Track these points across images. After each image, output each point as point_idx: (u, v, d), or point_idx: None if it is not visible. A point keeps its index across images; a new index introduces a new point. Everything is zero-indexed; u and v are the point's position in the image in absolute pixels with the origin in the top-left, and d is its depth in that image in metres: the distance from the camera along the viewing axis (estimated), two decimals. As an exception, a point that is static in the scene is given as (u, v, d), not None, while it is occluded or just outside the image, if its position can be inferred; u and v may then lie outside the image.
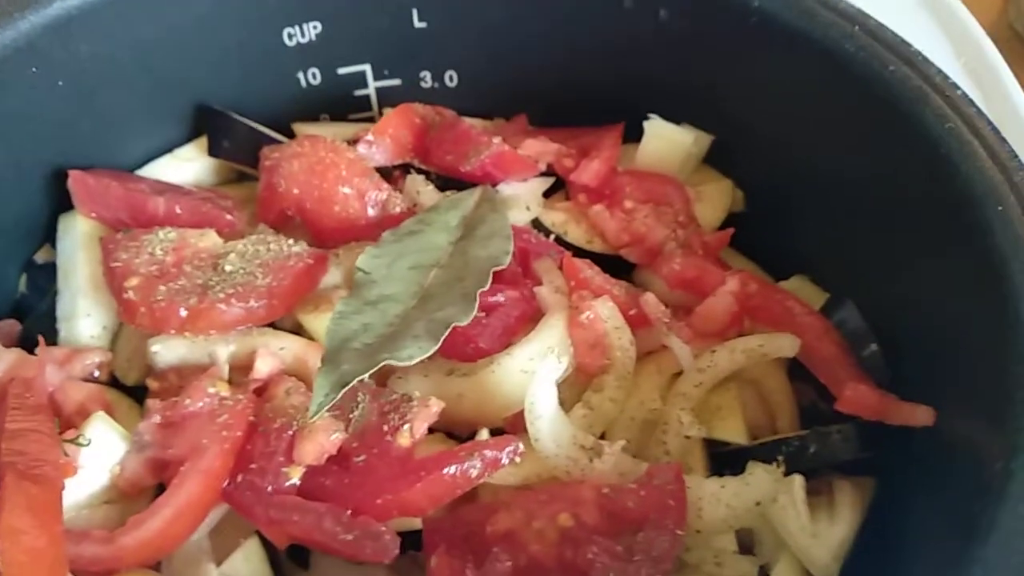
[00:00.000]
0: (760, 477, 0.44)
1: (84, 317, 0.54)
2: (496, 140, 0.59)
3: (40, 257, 0.59)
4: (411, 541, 0.43)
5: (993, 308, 0.43)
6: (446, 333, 0.45)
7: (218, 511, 0.46)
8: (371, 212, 0.57)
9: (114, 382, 0.53)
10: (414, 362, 0.44)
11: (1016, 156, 0.44)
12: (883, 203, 0.52)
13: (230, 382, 0.49)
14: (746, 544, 0.47)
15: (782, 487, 0.45)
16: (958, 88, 0.48)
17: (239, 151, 0.63)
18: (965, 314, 0.46)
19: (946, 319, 0.48)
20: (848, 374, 0.49)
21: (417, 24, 0.64)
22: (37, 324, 0.56)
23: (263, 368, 0.49)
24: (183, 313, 0.49)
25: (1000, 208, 0.43)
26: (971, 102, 0.47)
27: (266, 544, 0.46)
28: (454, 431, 0.49)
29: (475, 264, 0.50)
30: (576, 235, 0.59)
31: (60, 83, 0.56)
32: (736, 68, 0.58)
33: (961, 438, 0.45)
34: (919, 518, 0.46)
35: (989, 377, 0.43)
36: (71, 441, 0.45)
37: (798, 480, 0.46)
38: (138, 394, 0.52)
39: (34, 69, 0.54)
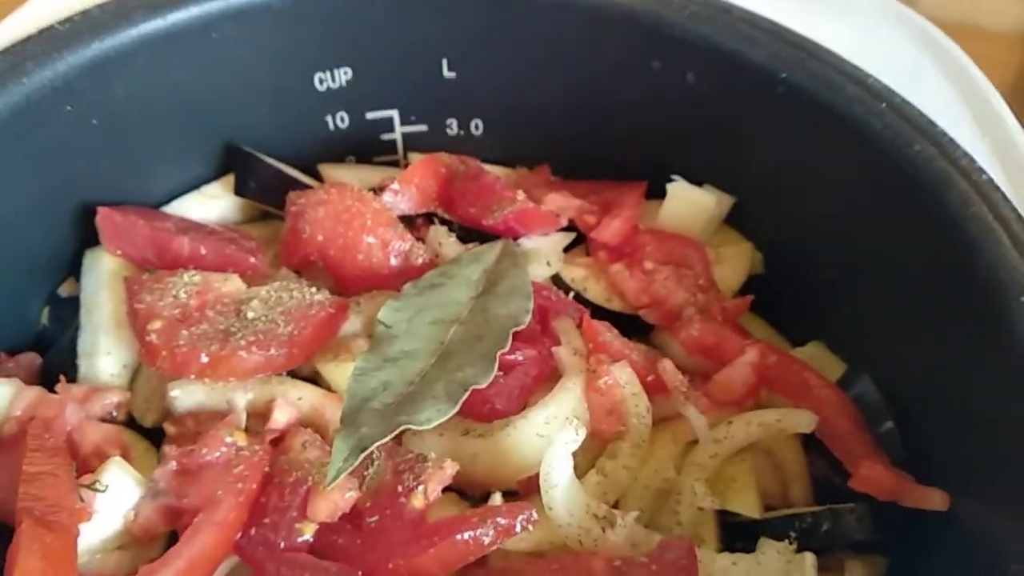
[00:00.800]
0: (772, 557, 0.44)
1: (105, 355, 0.55)
2: (520, 195, 0.59)
3: (64, 291, 0.60)
4: (420, 603, 0.43)
5: (1016, 399, 0.43)
6: (465, 396, 0.45)
7: (228, 563, 0.46)
8: (393, 262, 0.57)
9: (131, 422, 0.53)
10: (432, 426, 0.44)
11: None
12: (903, 279, 0.52)
13: (247, 430, 0.49)
14: (756, 621, 0.46)
15: (794, 566, 0.44)
16: (984, 172, 0.48)
17: (265, 191, 0.64)
18: (986, 399, 0.46)
19: (966, 402, 0.47)
20: (864, 451, 0.49)
21: (447, 74, 0.65)
22: (57, 358, 0.56)
23: (280, 418, 0.49)
24: (204, 359, 0.50)
25: (1023, 299, 0.43)
26: (996, 187, 0.47)
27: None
28: (467, 491, 0.49)
29: (495, 323, 0.50)
30: (595, 292, 0.59)
31: (94, 121, 0.57)
32: (761, 134, 0.58)
33: (977, 527, 0.45)
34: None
35: (1011, 470, 0.43)
36: (88, 486, 0.45)
37: (809, 559, 0.46)
38: (155, 436, 0.52)
39: (69, 108, 0.55)
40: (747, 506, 0.49)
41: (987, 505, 0.44)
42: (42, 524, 0.41)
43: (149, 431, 0.53)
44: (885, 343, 0.54)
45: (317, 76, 0.64)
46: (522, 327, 0.50)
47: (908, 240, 0.51)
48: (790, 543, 0.46)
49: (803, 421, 0.49)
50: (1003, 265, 0.44)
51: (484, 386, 0.46)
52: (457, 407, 0.45)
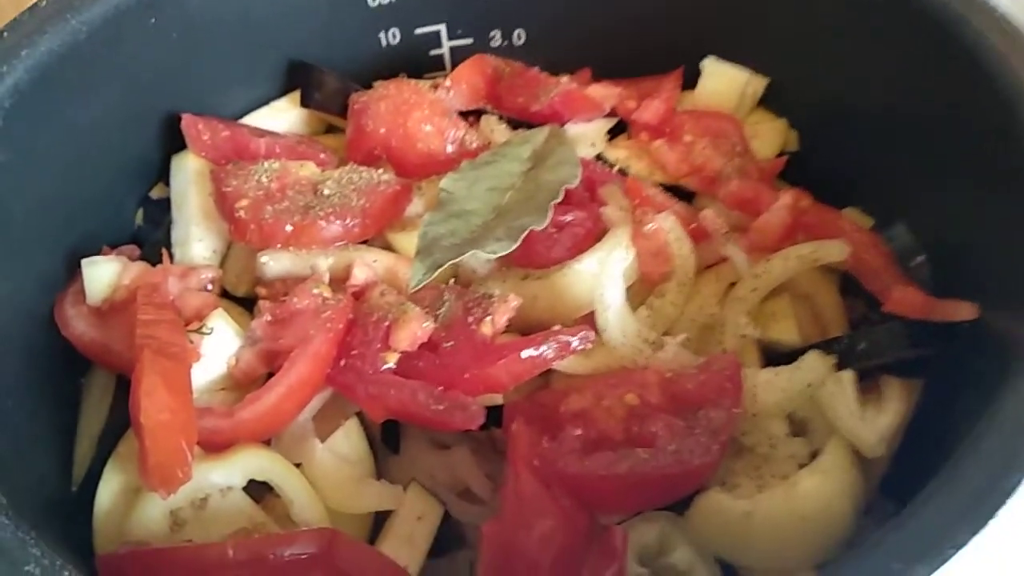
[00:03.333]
0: (811, 361, 0.48)
1: (197, 241, 0.61)
2: (564, 79, 0.64)
3: (155, 194, 0.66)
4: (493, 418, 0.48)
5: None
6: (524, 234, 0.50)
7: (321, 397, 0.52)
8: (450, 148, 0.62)
9: (224, 295, 0.59)
10: (496, 256, 0.49)
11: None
12: (929, 126, 0.56)
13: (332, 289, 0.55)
14: (798, 431, 0.50)
15: (833, 382, 0.48)
16: (996, 10, 0.51)
17: (329, 101, 0.69)
18: (1005, 219, 0.49)
19: (988, 228, 0.51)
20: (896, 280, 0.53)
21: (489, -16, 0.70)
22: (153, 251, 0.63)
23: (360, 275, 0.54)
24: (288, 229, 0.55)
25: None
26: (1007, 21, 0.51)
27: (363, 427, 0.52)
28: (530, 332, 0.53)
29: (546, 185, 0.55)
30: (638, 168, 0.63)
31: (174, 35, 0.63)
32: (786, 7, 0.62)
33: (1002, 335, 0.48)
34: (964, 415, 0.49)
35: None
36: (195, 331, 0.51)
37: (847, 374, 0.49)
38: (247, 305, 0.58)
39: (152, 20, 0.61)
40: (786, 333, 0.53)
41: (1008, 314, 0.47)
42: (161, 354, 0.47)
43: (242, 300, 0.59)
44: (914, 195, 0.58)
45: (370, -7, 0.69)
46: (572, 185, 0.55)
47: (931, 83, 0.54)
48: (829, 356, 0.50)
49: (835, 250, 0.52)
50: (1016, 82, 0.47)
51: (540, 228, 0.51)
52: (517, 243, 0.50)
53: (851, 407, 0.48)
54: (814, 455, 0.48)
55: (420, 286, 0.48)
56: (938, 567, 0.29)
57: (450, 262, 0.49)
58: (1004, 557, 0.39)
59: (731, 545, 0.45)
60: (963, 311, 0.49)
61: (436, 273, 0.48)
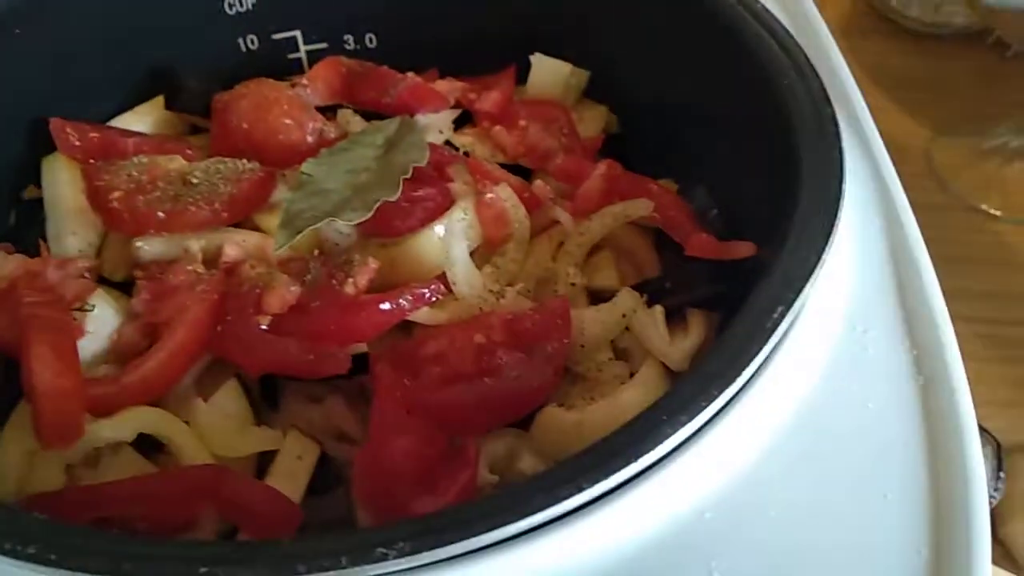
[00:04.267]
0: (624, 297, 0.58)
1: (70, 235, 0.65)
2: (411, 75, 0.72)
3: (27, 195, 0.70)
4: (361, 367, 0.55)
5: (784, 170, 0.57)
6: (377, 205, 0.57)
7: (200, 364, 0.57)
8: (310, 139, 0.69)
9: (102, 282, 0.63)
10: (353, 224, 0.56)
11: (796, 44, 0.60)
12: (718, 109, 0.67)
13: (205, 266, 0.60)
14: (620, 358, 0.60)
15: (643, 306, 0.58)
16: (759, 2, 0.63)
17: (193, 103, 0.75)
18: (768, 177, 0.60)
19: (758, 184, 0.62)
20: (694, 229, 0.63)
21: (339, -8, 0.77)
22: (28, 248, 0.66)
23: (231, 253, 0.60)
24: (161, 216, 0.61)
25: (785, 81, 0.58)
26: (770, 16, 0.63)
27: (244, 388, 0.58)
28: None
29: (398, 166, 0.63)
30: (482, 152, 0.72)
31: (40, 44, 0.67)
32: (605, 13, 0.72)
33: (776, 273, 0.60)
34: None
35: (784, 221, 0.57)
36: (78, 309, 0.55)
37: (658, 309, 0.59)
38: (125, 289, 0.63)
39: (17, 30, 0.65)
40: (607, 279, 0.63)
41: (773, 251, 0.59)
42: (47, 328, 0.52)
43: (120, 286, 0.63)
44: (708, 165, 0.69)
45: (227, 1, 0.75)
46: (421, 164, 0.62)
47: (719, 80, 0.65)
48: (641, 296, 0.60)
49: (641, 207, 0.63)
50: (772, 58, 0.59)
51: (392, 199, 0.58)
52: (371, 212, 0.57)
53: (661, 333, 0.58)
54: (633, 375, 0.58)
55: (283, 250, 0.55)
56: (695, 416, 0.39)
57: (310, 228, 0.55)
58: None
59: (567, 449, 0.53)
60: (743, 250, 0.59)
61: (297, 238, 0.55)
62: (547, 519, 0.37)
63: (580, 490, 0.36)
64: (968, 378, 0.46)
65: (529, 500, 0.36)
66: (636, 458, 0.38)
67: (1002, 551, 0.78)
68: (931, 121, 1.10)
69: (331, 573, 0.34)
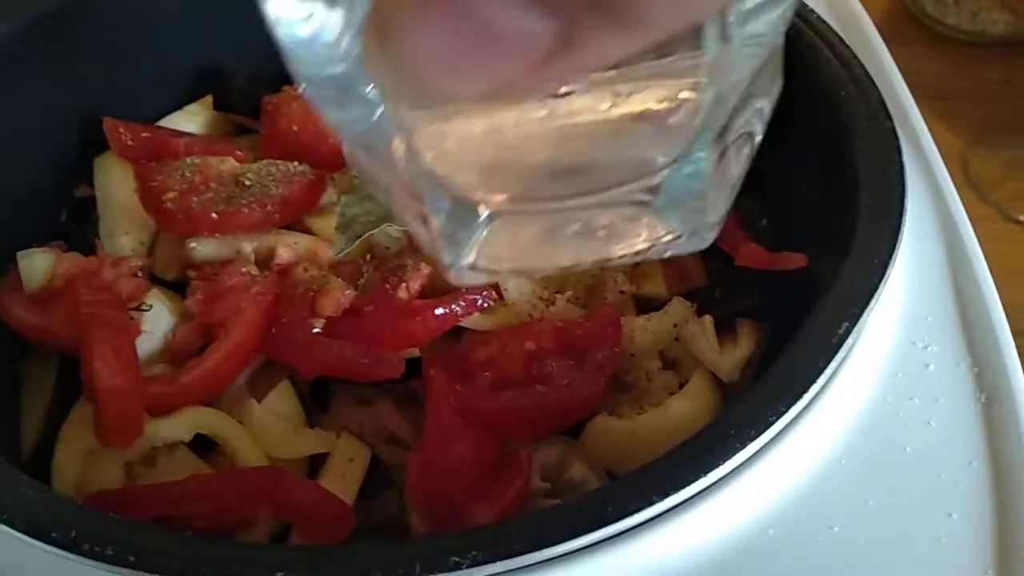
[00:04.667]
0: (675, 307, 0.58)
1: (123, 235, 0.65)
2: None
3: (80, 194, 0.70)
4: (413, 371, 0.56)
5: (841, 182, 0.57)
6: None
7: (253, 366, 0.58)
8: (359, 142, 0.69)
9: (154, 281, 0.64)
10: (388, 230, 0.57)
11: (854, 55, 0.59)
12: (772, 120, 0.67)
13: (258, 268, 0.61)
14: (669, 367, 0.60)
15: (696, 325, 0.58)
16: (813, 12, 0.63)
17: (240, 104, 0.75)
18: (819, 189, 0.60)
19: (809, 195, 0.62)
20: (743, 240, 0.63)
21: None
22: (82, 246, 0.67)
23: (284, 255, 0.60)
24: (214, 216, 0.61)
25: (843, 93, 0.58)
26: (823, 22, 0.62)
27: (295, 390, 0.58)
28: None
29: None
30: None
31: (93, 43, 0.67)
32: None
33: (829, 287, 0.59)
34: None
35: (842, 234, 0.57)
36: (134, 308, 0.56)
37: (708, 318, 0.59)
38: (177, 289, 0.63)
39: (76, 28, 0.65)
40: (655, 287, 0.62)
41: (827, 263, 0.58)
42: (107, 326, 0.52)
43: (171, 286, 0.64)
44: (759, 175, 0.68)
45: None
46: None
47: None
48: (692, 305, 0.60)
49: (693, 217, 0.63)
50: (828, 69, 0.58)
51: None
52: None
53: (711, 343, 0.58)
54: (683, 385, 0.58)
55: (342, 255, 0.55)
56: (764, 431, 0.39)
57: (368, 234, 0.56)
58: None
59: (617, 459, 0.54)
60: (794, 260, 0.59)
61: (356, 244, 0.55)
62: (615, 532, 0.37)
63: (651, 503, 0.37)
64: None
65: (600, 512, 0.36)
66: (706, 472, 0.38)
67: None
68: (966, 131, 1.09)
69: (405, 581, 0.34)
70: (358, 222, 0.57)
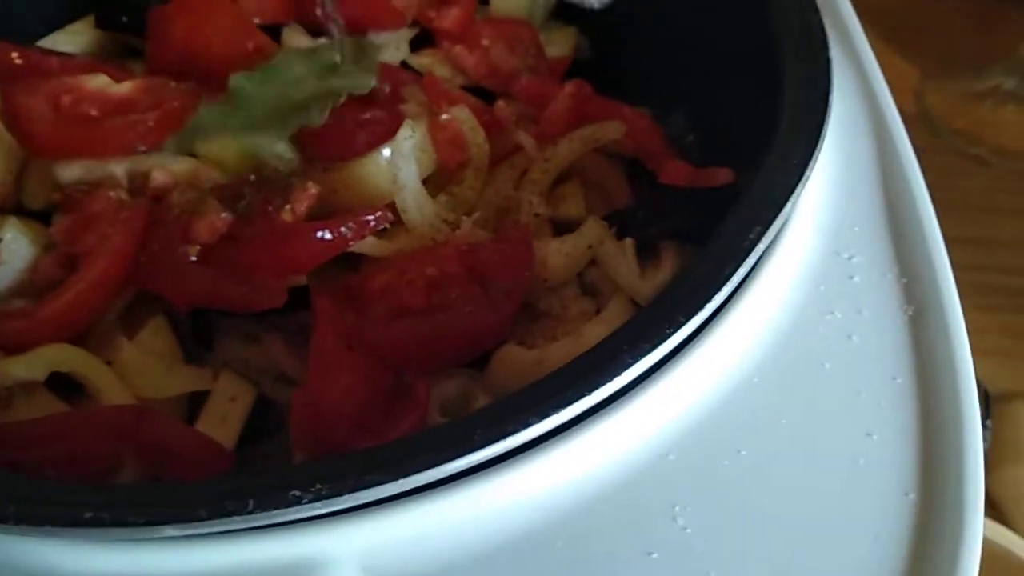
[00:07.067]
0: (591, 227, 0.53)
1: (-12, 162, 0.59)
2: (362, -12, 0.66)
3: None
4: (302, 301, 0.50)
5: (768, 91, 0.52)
6: (294, 129, 0.52)
7: (125, 300, 0.52)
8: (252, 57, 0.63)
9: (22, 212, 0.58)
10: (273, 148, 0.51)
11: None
12: (699, 31, 0.62)
13: (130, 194, 0.55)
14: (589, 294, 0.55)
15: (611, 237, 0.53)
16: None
17: (126, 21, 0.68)
18: (748, 101, 0.55)
19: (737, 108, 0.57)
20: (668, 156, 0.58)
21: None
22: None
23: (159, 178, 0.54)
24: (82, 138, 0.55)
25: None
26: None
27: (173, 327, 0.53)
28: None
29: (334, 90, 0.56)
30: (442, 73, 0.66)
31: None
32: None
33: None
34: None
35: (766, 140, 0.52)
36: (-13, 238, 0.50)
37: (629, 241, 0.55)
38: (45, 219, 0.57)
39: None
40: (574, 209, 0.58)
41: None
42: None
43: (41, 215, 0.57)
44: (685, 90, 0.64)
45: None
46: (362, 91, 0.56)
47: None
48: (610, 227, 0.55)
49: (613, 130, 0.58)
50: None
51: (318, 124, 0.53)
52: (290, 131, 0.52)
53: (630, 266, 0.53)
54: (600, 312, 0.53)
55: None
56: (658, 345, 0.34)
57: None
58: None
59: (525, 391, 0.49)
60: (721, 176, 0.55)
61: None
62: (491, 457, 0.32)
63: (527, 425, 0.32)
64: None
65: (468, 437, 0.32)
66: (591, 391, 0.33)
67: (986, 500, 0.76)
68: (923, 62, 1.05)
69: (236, 518, 0.29)
70: (205, 131, 0.51)
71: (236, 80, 0.56)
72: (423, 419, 0.46)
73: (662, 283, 0.54)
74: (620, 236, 0.55)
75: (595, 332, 0.51)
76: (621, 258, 0.54)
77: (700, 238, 0.58)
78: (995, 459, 0.73)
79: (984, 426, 0.75)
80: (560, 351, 0.50)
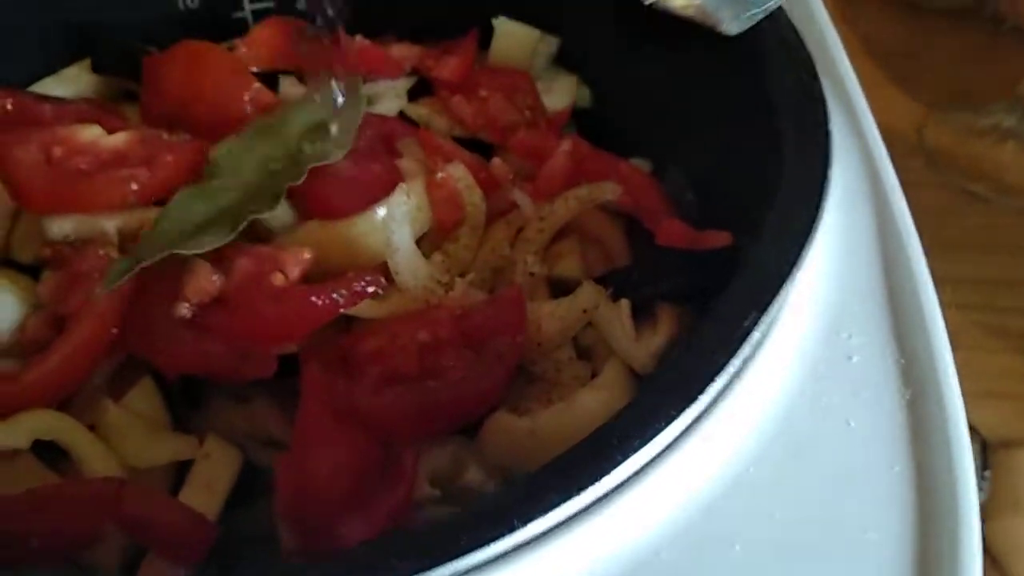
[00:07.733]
0: (586, 290, 0.52)
1: (-22, 213, 0.58)
2: (359, 38, 0.65)
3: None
4: (292, 368, 0.50)
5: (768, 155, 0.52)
6: (244, 224, 0.50)
7: (114, 362, 0.51)
8: (248, 110, 0.62)
9: (11, 265, 0.57)
10: (204, 250, 0.49)
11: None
12: (697, 90, 0.61)
13: (121, 251, 0.54)
14: (584, 357, 0.55)
15: (607, 300, 0.53)
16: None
17: (122, 66, 0.68)
18: (748, 161, 0.55)
19: (737, 168, 0.56)
20: (667, 215, 0.57)
21: (286, -54, 0.70)
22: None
23: (150, 235, 0.54)
24: (73, 192, 0.54)
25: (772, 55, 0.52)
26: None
27: (161, 386, 0.52)
28: (327, 282, 0.55)
29: (302, 160, 0.55)
30: (439, 124, 0.66)
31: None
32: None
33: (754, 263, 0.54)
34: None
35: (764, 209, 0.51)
36: (-28, 299, 0.49)
37: (624, 303, 0.54)
38: (35, 273, 0.56)
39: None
40: (571, 269, 0.57)
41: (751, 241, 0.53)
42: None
43: (31, 270, 0.57)
44: (684, 146, 0.63)
45: (160, -46, 0.68)
46: (329, 162, 0.55)
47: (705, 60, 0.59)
48: (606, 288, 0.54)
49: (609, 188, 0.57)
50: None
51: (264, 215, 0.51)
52: (234, 234, 0.50)
53: (625, 329, 0.52)
54: (595, 376, 0.52)
55: (113, 284, 0.47)
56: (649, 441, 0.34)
57: (151, 261, 0.48)
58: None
59: (520, 459, 0.48)
60: (719, 239, 0.54)
61: (126, 278, 0.47)
62: (471, 567, 0.31)
63: (511, 530, 0.31)
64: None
65: (452, 542, 0.31)
66: (579, 491, 0.32)
67: (985, 553, 0.74)
68: (924, 96, 1.05)
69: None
70: (164, 236, 0.49)
71: (218, 151, 0.56)
72: (409, 493, 0.45)
73: (658, 348, 0.53)
74: (616, 297, 0.54)
75: (588, 398, 0.50)
76: (616, 323, 0.53)
77: (698, 301, 0.58)
78: (993, 509, 0.72)
79: (981, 476, 0.74)
80: (553, 420, 0.49)
